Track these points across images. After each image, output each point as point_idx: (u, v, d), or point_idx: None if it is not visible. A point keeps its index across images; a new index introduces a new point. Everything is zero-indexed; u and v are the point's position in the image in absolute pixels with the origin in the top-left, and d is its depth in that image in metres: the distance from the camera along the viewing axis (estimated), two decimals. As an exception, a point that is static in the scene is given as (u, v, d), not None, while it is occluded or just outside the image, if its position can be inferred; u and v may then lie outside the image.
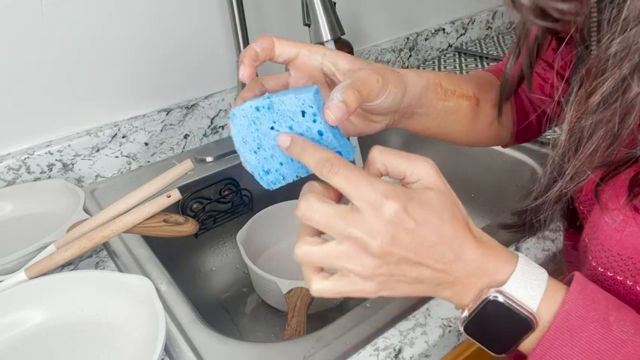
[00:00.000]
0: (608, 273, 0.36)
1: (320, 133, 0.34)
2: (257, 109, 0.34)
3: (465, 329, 0.35)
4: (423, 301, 0.53)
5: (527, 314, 0.33)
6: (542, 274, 0.35)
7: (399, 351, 0.48)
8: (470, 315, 0.34)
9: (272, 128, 0.35)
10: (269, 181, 0.38)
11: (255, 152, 0.37)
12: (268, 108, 0.34)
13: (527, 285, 0.33)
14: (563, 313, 0.32)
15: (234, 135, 0.37)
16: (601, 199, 0.36)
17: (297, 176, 0.37)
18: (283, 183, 0.37)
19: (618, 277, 0.35)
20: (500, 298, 0.33)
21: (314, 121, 0.34)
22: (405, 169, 0.33)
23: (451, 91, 0.49)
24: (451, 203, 0.33)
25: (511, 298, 0.33)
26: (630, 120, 0.31)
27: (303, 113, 0.33)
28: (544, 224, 0.40)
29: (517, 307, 0.33)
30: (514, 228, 0.43)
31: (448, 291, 0.35)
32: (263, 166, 0.38)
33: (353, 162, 0.34)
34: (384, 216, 0.30)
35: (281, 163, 0.37)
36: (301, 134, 0.34)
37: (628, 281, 0.35)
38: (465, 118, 0.51)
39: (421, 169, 0.33)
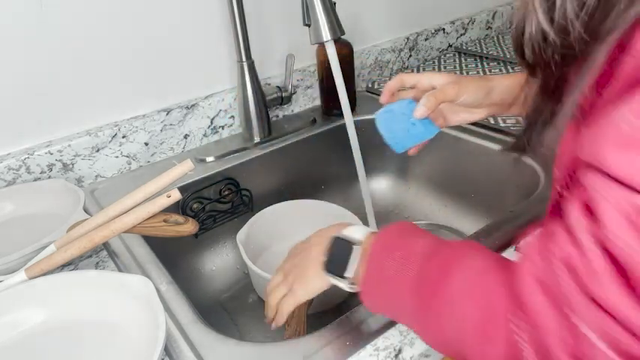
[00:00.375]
0: (557, 186, 0.40)
1: (413, 123, 0.59)
2: (385, 112, 0.61)
3: (326, 271, 0.49)
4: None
5: (352, 239, 0.49)
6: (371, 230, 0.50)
7: (399, 351, 0.48)
8: (325, 257, 0.49)
9: (393, 122, 0.61)
10: (398, 149, 0.63)
11: (389, 134, 0.62)
12: (389, 112, 0.61)
13: (357, 231, 0.50)
14: (379, 237, 0.47)
15: (379, 127, 0.62)
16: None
17: (412, 145, 0.62)
18: (404, 149, 0.63)
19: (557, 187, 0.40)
20: (336, 234, 0.50)
21: (409, 118, 0.59)
22: None
23: None
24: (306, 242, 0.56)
25: (344, 234, 0.50)
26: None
27: (403, 114, 0.60)
28: (537, 141, 0.47)
29: (346, 236, 0.49)
30: (512, 148, 0.53)
31: (310, 268, 0.52)
32: (394, 141, 0.62)
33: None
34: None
35: (402, 139, 0.61)
36: (404, 124, 0.60)
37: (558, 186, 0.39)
38: None
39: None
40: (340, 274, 0.48)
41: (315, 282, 0.52)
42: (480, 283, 0.37)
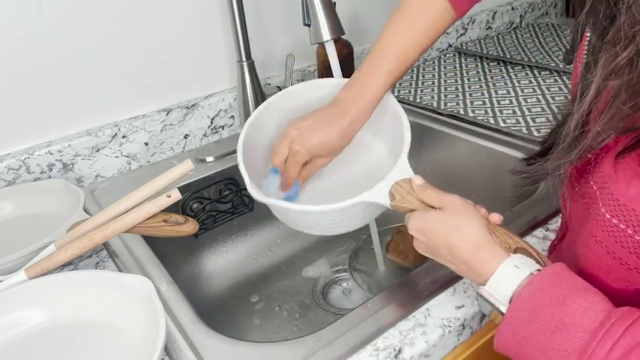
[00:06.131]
0: (614, 220, 0.40)
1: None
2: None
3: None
4: (422, 301, 0.53)
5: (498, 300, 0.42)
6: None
7: (399, 351, 0.48)
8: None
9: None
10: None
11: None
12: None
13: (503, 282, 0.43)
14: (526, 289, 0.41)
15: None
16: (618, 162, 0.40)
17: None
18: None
19: (621, 226, 0.40)
20: (479, 290, 0.44)
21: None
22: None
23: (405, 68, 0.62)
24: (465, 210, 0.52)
25: (486, 294, 0.43)
26: None
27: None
28: (556, 178, 0.46)
29: (489, 298, 0.43)
30: (523, 174, 0.51)
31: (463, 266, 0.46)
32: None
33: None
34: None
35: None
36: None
37: (629, 230, 0.39)
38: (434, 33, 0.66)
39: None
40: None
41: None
42: None
